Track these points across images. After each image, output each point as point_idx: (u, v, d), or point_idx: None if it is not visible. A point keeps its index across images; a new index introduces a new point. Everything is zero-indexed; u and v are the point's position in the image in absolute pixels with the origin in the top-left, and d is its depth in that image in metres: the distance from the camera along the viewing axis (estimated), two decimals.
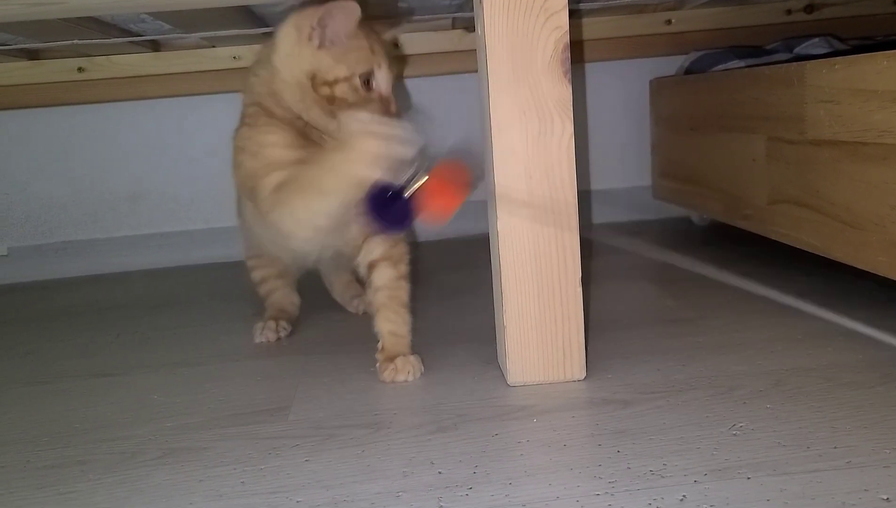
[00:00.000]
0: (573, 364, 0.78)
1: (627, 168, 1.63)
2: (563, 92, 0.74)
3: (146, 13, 1.11)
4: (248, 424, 0.75)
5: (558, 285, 0.77)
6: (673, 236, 1.50)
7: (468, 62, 1.47)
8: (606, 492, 0.57)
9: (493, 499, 0.57)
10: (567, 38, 0.73)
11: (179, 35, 1.32)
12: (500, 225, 0.76)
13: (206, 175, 1.55)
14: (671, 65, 1.51)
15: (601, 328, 0.95)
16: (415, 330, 0.88)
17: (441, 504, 0.57)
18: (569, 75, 0.74)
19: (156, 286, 1.44)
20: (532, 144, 0.75)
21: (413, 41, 1.49)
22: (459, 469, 0.62)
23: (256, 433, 0.73)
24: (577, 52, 1.51)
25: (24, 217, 1.56)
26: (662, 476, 0.58)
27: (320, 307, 1.14)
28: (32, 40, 1.29)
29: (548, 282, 0.77)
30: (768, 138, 1.03)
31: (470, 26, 1.45)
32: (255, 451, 0.69)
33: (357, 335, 1.00)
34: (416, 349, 0.87)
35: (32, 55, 1.42)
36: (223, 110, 1.54)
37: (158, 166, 1.56)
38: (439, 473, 0.62)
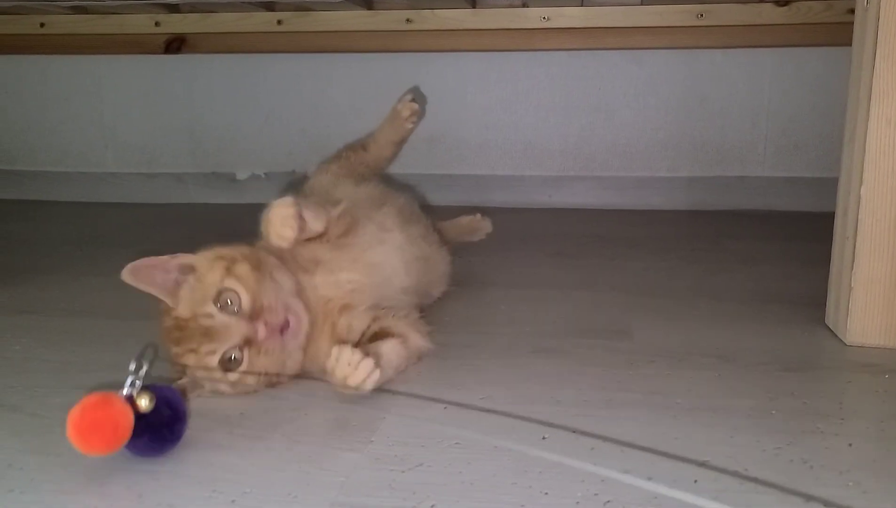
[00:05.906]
0: None
1: None
2: None
3: None
4: (598, 339, 0.85)
5: None
6: None
7: None
8: None
9: (867, 431, 0.63)
10: None
11: None
12: (863, 190, 0.80)
13: (496, 125, 1.70)
14: None
15: None
16: (727, 289, 0.93)
17: (817, 425, 0.63)
18: None
19: None
20: None
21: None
22: (822, 402, 0.68)
23: (611, 348, 0.83)
24: None
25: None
26: None
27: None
28: None
29: None
30: None
31: None
32: (616, 361, 0.79)
33: (677, 285, 1.08)
34: (726, 310, 0.92)
35: (369, 4, 1.61)
36: (520, 67, 1.68)
37: (457, 112, 1.72)
38: (804, 403, 0.68)
